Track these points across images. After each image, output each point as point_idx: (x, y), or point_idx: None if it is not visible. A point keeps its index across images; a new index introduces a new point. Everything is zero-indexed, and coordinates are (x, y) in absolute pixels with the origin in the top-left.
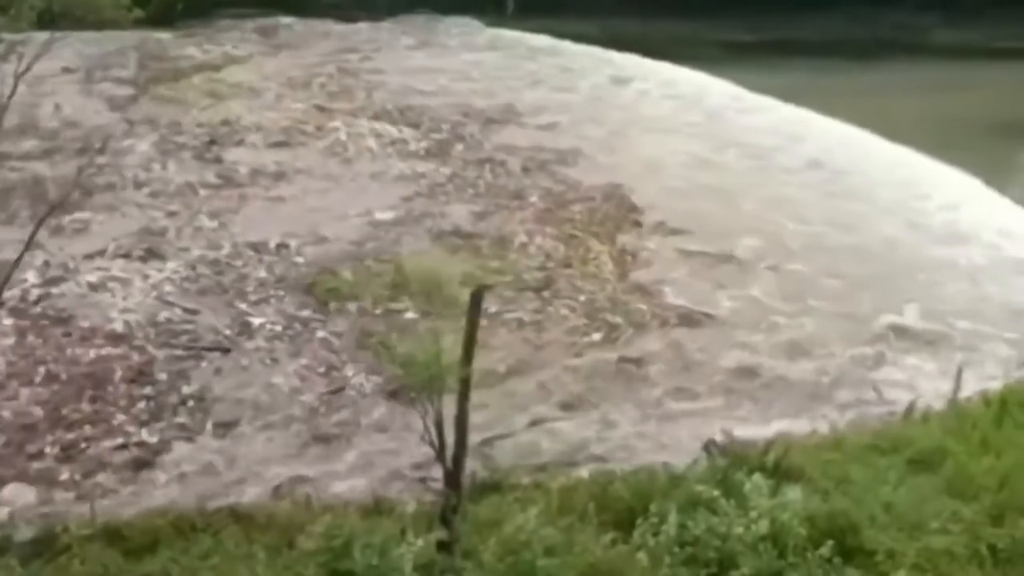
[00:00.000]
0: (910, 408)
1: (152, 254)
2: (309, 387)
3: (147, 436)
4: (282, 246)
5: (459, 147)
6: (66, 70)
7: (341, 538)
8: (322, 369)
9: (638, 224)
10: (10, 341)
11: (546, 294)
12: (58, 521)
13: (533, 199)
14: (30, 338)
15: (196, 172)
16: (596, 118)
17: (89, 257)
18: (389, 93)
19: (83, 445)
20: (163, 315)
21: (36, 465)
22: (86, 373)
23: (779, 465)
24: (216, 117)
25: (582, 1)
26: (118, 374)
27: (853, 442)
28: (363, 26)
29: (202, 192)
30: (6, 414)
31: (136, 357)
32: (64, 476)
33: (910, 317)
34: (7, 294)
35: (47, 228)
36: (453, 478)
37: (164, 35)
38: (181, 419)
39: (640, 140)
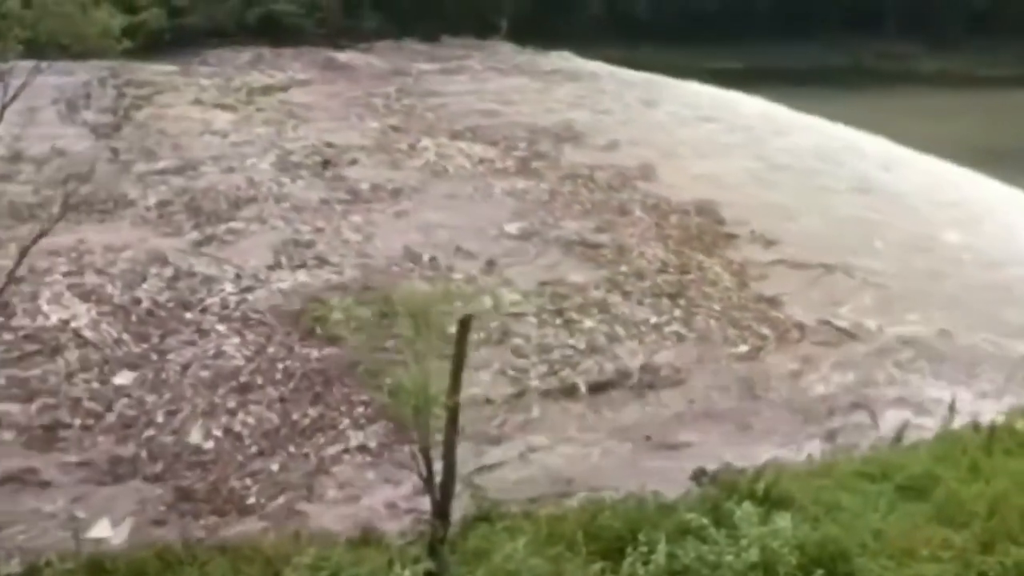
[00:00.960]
0: (899, 434)
1: (321, 262)
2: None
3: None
4: (433, 259)
5: (539, 164)
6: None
7: (327, 570)
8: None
9: (732, 236)
10: (235, 341)
11: (682, 302)
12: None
13: (637, 212)
14: (250, 337)
15: (323, 188)
16: (646, 138)
17: (272, 268)
18: (453, 114)
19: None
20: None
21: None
22: (317, 370)
23: (769, 492)
24: (312, 136)
25: (572, 30)
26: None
27: (843, 468)
28: (392, 52)
29: (337, 207)
30: (251, 419)
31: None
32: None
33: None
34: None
35: (200, 236)
36: (441, 508)
37: (167, 66)
38: None
39: (696, 160)
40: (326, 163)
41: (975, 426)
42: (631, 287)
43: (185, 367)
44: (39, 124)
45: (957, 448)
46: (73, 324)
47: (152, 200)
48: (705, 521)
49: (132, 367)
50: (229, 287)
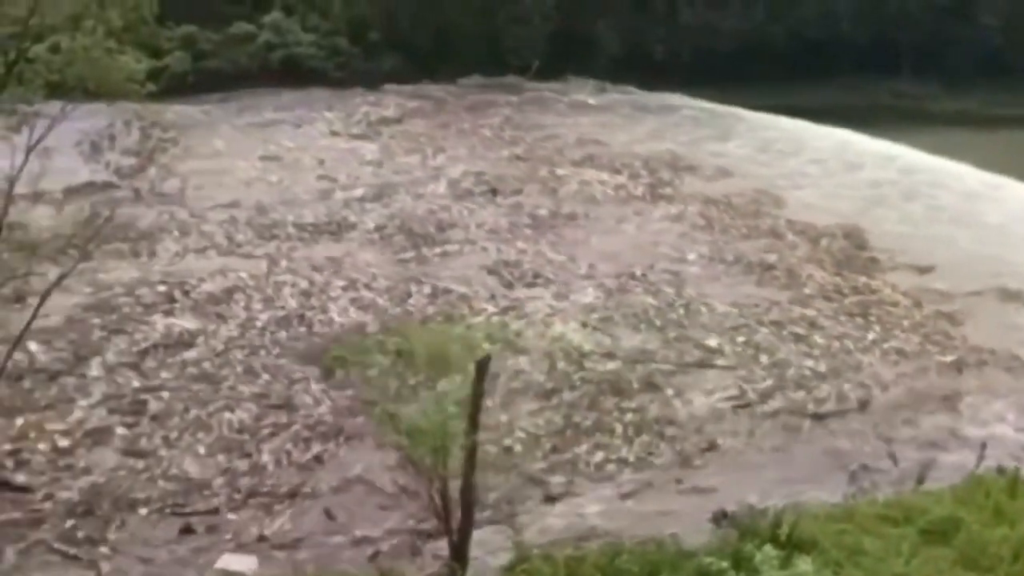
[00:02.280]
0: (922, 476)
1: (545, 283)
2: None
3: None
4: (644, 276)
5: (668, 190)
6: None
7: None
8: None
9: (875, 260)
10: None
11: (873, 320)
12: None
13: (790, 236)
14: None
15: (505, 214)
16: (745, 168)
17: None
18: (563, 144)
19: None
20: (597, 339)
21: None
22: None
23: (790, 536)
24: (455, 165)
25: (589, 71)
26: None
27: (865, 512)
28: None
29: (529, 230)
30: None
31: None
32: None
33: None
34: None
35: (424, 255)
36: (459, 550)
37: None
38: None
39: (805, 187)
40: (494, 191)
41: (999, 469)
42: (820, 305)
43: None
44: (62, 164)
45: (980, 491)
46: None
47: (371, 223)
48: (724, 565)
49: None
50: (485, 304)
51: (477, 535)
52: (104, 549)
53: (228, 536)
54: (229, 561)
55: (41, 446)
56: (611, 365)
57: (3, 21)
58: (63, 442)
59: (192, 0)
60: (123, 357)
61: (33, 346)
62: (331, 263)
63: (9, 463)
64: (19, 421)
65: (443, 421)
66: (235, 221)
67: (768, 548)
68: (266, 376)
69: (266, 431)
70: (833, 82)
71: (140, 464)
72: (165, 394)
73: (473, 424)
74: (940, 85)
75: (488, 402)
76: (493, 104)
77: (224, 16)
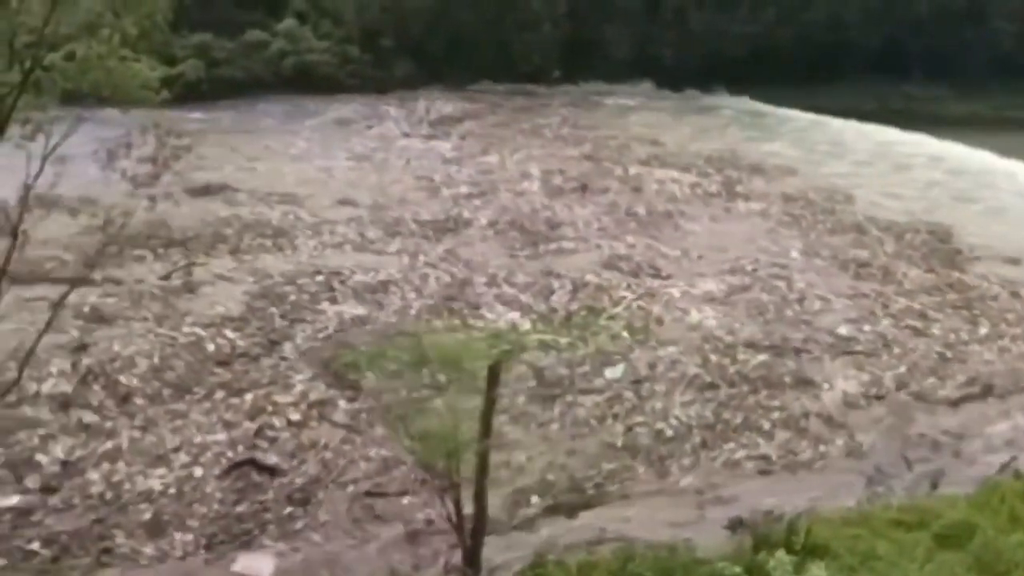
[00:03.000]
0: (935, 481)
1: (667, 276)
2: None
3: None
4: (754, 270)
5: (740, 188)
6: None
7: None
8: None
9: (958, 252)
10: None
11: (977, 314)
12: None
13: (874, 232)
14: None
15: (604, 210)
16: (802, 167)
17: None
18: (624, 143)
19: None
20: (733, 328)
21: None
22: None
23: (804, 541)
24: (533, 163)
25: (599, 74)
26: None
27: (880, 516)
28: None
29: (632, 225)
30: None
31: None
32: None
33: None
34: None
35: (540, 251)
36: (472, 556)
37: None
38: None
39: (867, 184)
40: (584, 187)
41: (1016, 474)
42: (924, 299)
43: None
44: (77, 173)
45: (996, 496)
46: (494, 317)
47: (483, 220)
48: (737, 570)
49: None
50: (627, 294)
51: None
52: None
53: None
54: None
55: (276, 421)
56: (761, 356)
57: (19, 30)
58: (294, 415)
59: (206, 8)
60: (312, 341)
61: (229, 332)
62: (460, 258)
63: (260, 442)
64: (248, 396)
65: (455, 426)
66: (359, 219)
67: (781, 554)
68: None
69: None
70: (843, 85)
71: (358, 439)
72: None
73: (485, 429)
74: (951, 88)
75: (649, 386)
76: (546, 105)
77: (238, 24)
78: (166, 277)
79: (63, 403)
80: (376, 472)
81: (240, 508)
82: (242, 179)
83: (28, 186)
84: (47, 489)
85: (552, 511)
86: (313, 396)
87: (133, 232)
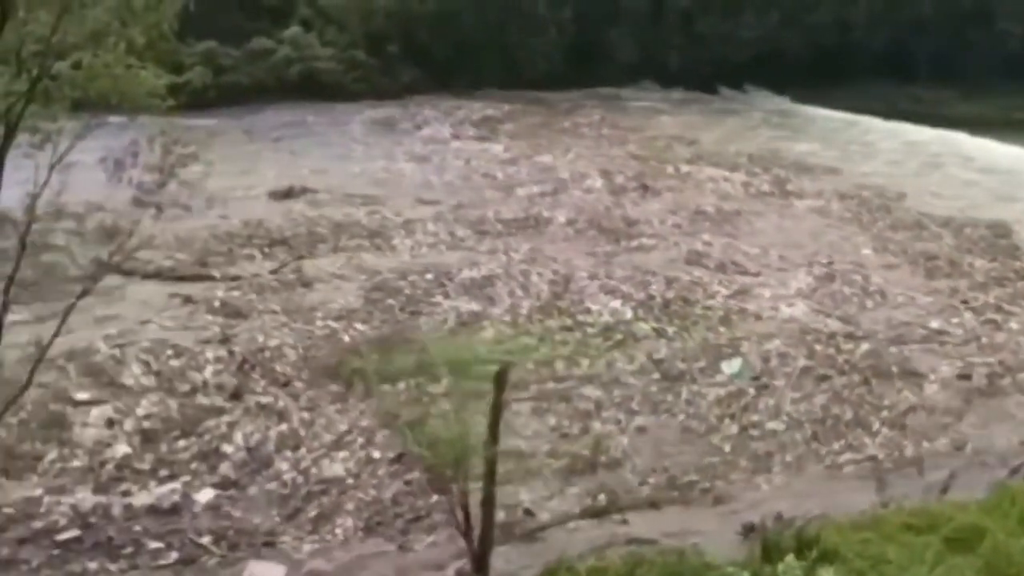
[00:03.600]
0: (946, 485)
1: (753, 272)
2: None
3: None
4: (830, 263)
5: (791, 186)
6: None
7: None
8: None
9: (1018, 247)
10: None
11: None
12: None
13: (933, 228)
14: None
15: (670, 209)
16: (843, 165)
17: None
18: (666, 142)
19: None
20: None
21: None
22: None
23: (813, 545)
24: (582, 162)
25: (605, 79)
26: None
27: (890, 520)
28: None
29: (705, 223)
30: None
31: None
32: None
33: None
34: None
35: (624, 247)
36: (480, 562)
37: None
38: None
39: (910, 186)
40: (644, 187)
41: None
42: (997, 292)
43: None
44: (84, 181)
45: (1006, 500)
46: (618, 317)
47: (562, 218)
48: (746, 575)
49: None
50: (721, 289)
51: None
52: None
53: None
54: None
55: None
56: (865, 346)
57: (26, 39)
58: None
59: (212, 17)
60: (441, 333)
61: (360, 325)
62: (548, 255)
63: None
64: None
65: (463, 432)
66: (444, 218)
67: (790, 558)
68: None
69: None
70: (850, 88)
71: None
72: None
73: (493, 435)
74: (957, 90)
75: (763, 380)
76: (579, 107)
77: (244, 32)
78: (276, 271)
79: (233, 392)
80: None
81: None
82: (317, 181)
83: (35, 195)
84: (234, 481)
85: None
86: None
87: (234, 232)
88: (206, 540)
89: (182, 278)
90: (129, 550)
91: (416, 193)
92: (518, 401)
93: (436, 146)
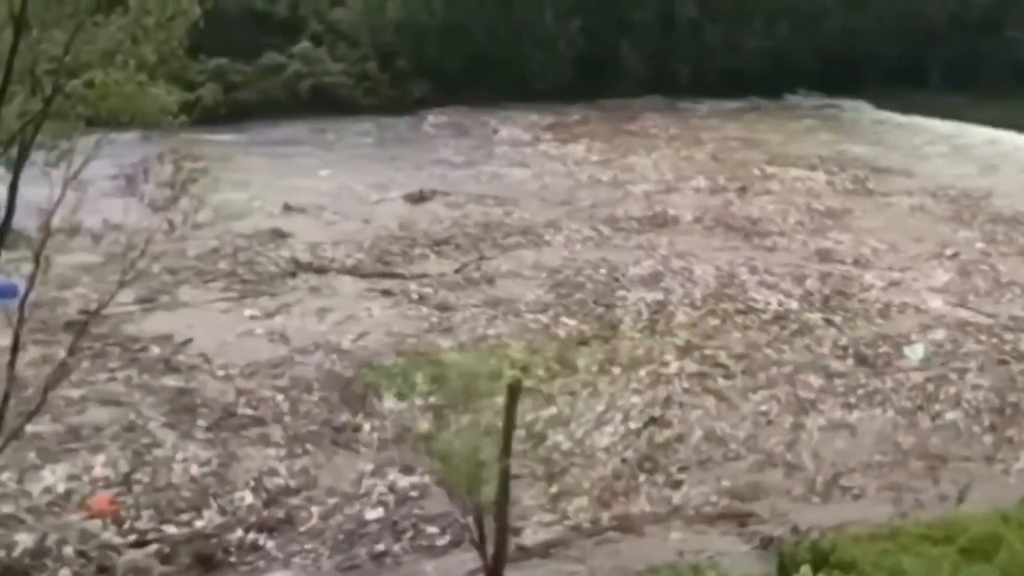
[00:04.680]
0: (962, 494)
1: (891, 266)
2: None
3: None
4: (956, 255)
5: (871, 185)
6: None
7: None
8: None
9: None
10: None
11: None
12: None
13: None
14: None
15: (782, 207)
16: (911, 166)
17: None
18: (742, 145)
19: None
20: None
21: None
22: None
23: (829, 557)
24: (666, 164)
25: (615, 91)
26: None
27: (908, 531)
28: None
29: (826, 221)
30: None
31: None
32: None
33: None
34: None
35: (755, 244)
36: (494, 574)
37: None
38: None
39: (985, 186)
40: (744, 188)
41: None
42: None
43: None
44: (98, 198)
45: (1023, 508)
46: (785, 307)
47: (688, 216)
48: None
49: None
50: (877, 282)
51: None
52: None
53: None
54: None
55: (672, 387)
56: None
57: (40, 58)
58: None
59: (223, 33)
60: (642, 322)
61: (566, 319)
62: (690, 251)
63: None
64: (641, 371)
65: (476, 446)
66: (581, 217)
67: (806, 569)
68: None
69: None
70: (862, 96)
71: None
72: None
73: (506, 449)
74: (968, 96)
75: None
76: (638, 114)
77: (254, 48)
78: (460, 270)
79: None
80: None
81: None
82: (438, 185)
83: (49, 212)
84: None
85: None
86: (690, 369)
87: (395, 234)
88: None
89: (369, 275)
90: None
91: (537, 193)
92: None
93: (524, 149)
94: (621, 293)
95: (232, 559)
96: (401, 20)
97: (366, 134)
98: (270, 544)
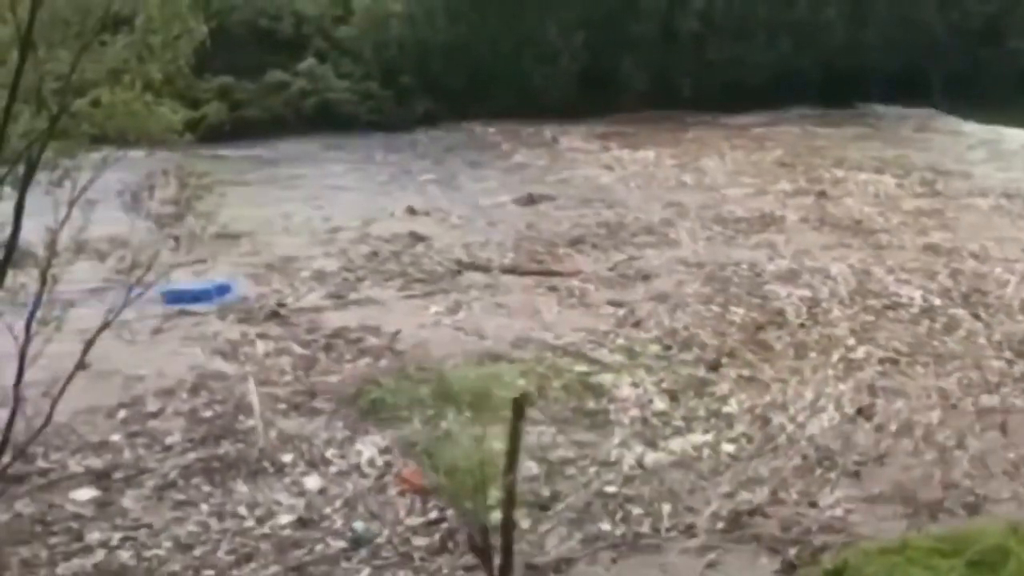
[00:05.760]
0: (975, 507)
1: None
2: None
3: None
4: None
5: (940, 186)
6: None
7: None
8: None
9: None
10: None
11: None
12: None
13: None
14: None
15: (876, 208)
16: (967, 169)
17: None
18: (810, 151)
19: None
20: None
21: None
22: None
23: (842, 573)
24: (748, 171)
25: (618, 107)
26: None
27: (918, 544)
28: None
29: (927, 221)
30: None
31: None
32: None
33: None
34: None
35: (871, 245)
36: None
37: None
38: None
39: None
40: (823, 192)
41: None
42: None
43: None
44: (103, 215)
45: None
46: (929, 302)
47: (794, 216)
48: None
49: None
50: (1012, 278)
51: None
52: None
53: None
54: None
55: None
56: None
57: (46, 77)
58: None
59: (228, 51)
60: (803, 314)
61: (735, 308)
62: (811, 249)
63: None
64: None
65: (481, 461)
66: (692, 216)
67: None
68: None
69: None
70: (865, 109)
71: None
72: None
73: (511, 463)
74: (972, 108)
75: None
76: (681, 124)
77: (259, 65)
78: (614, 267)
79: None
80: None
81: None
82: (541, 189)
83: (55, 230)
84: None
85: None
86: (877, 355)
87: (526, 234)
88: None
89: (528, 273)
90: None
91: (635, 195)
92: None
93: (599, 155)
94: (769, 288)
95: None
96: (405, 37)
97: (414, 144)
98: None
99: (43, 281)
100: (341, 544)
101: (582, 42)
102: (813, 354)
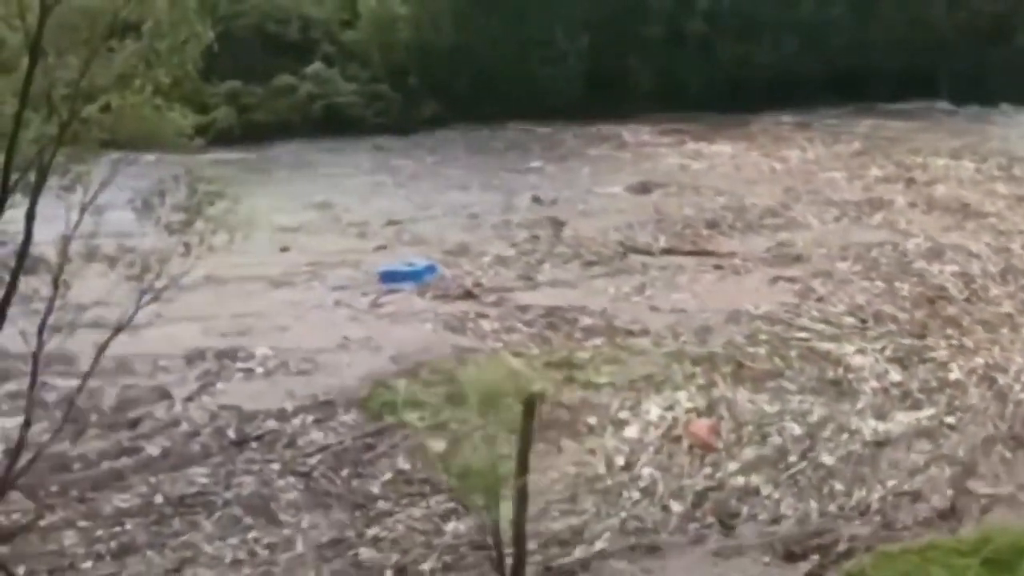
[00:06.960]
0: (990, 505)
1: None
2: None
3: None
4: None
5: (1016, 171)
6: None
7: None
8: None
9: None
10: None
11: None
12: None
13: None
14: None
15: (982, 191)
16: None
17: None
18: (886, 142)
19: None
20: None
21: None
22: None
23: (854, 573)
24: (796, 158)
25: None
26: None
27: (940, 545)
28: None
29: (1018, 209)
30: None
31: None
32: None
33: None
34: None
35: (973, 226)
36: None
37: None
38: None
39: None
40: (911, 180)
41: None
42: None
43: None
44: (114, 222)
45: None
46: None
47: (902, 200)
48: None
49: None
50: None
51: None
52: None
53: None
54: None
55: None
56: None
57: (56, 83)
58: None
59: (236, 56)
60: (965, 289)
61: (904, 285)
62: (934, 230)
63: None
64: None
65: (493, 462)
66: (805, 201)
67: None
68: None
69: None
70: (871, 109)
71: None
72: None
73: (523, 464)
74: (982, 105)
75: None
76: (742, 120)
77: (267, 70)
78: (771, 248)
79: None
80: None
81: None
82: (651, 177)
83: (67, 237)
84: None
85: None
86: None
87: (661, 220)
88: None
89: (690, 254)
90: None
91: (739, 181)
92: None
93: (679, 147)
94: (918, 265)
95: None
96: (411, 40)
97: (452, 143)
98: None
99: (55, 287)
100: None
101: (587, 43)
102: (1003, 328)
